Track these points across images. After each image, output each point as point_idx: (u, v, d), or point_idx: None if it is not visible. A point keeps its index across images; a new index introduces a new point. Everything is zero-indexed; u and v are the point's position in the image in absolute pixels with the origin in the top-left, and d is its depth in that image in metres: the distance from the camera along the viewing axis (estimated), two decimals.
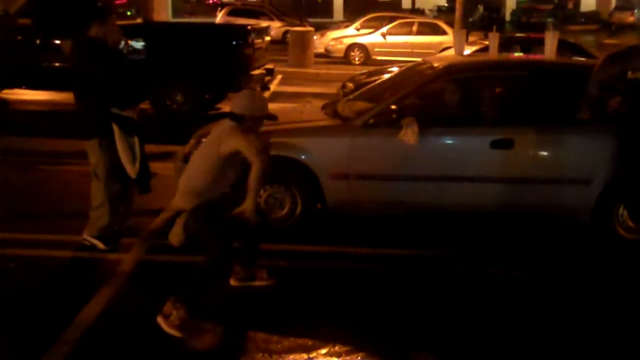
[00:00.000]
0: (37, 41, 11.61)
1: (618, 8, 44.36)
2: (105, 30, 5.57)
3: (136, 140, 5.63)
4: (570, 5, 47.16)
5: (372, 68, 14.28)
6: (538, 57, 7.47)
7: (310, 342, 4.32)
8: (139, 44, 11.35)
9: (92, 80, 5.46)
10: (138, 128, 5.68)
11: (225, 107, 12.47)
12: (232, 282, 5.08)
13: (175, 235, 4.71)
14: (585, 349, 4.40)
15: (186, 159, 6.23)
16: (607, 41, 29.25)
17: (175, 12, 44.47)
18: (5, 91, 12.88)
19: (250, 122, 4.66)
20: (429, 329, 4.60)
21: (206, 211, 4.59)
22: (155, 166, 6.58)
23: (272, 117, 4.83)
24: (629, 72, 5.39)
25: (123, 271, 5.36)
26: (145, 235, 6.08)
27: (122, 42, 10.79)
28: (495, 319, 4.76)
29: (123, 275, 5.29)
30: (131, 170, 5.58)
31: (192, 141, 6.46)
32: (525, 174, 6.01)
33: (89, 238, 5.70)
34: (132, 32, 11.50)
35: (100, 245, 5.66)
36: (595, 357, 4.36)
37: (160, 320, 4.43)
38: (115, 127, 5.47)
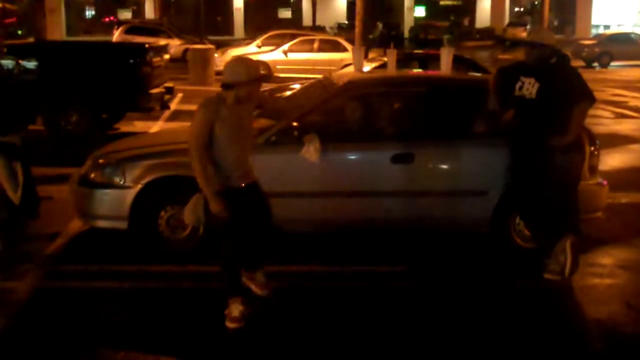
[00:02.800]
0: None
1: (511, 24, 46.31)
2: None
3: (18, 165, 5.39)
4: (466, 22, 48.86)
5: (274, 85, 14.29)
6: (435, 72, 7.64)
7: None
8: (30, 64, 10.91)
9: None
10: (22, 153, 5.44)
11: (124, 127, 12.20)
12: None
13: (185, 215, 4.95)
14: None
15: (82, 180, 6.04)
16: (501, 56, 30.41)
17: (70, 30, 43.36)
18: None
19: (244, 90, 4.61)
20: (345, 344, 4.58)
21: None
22: (49, 189, 6.38)
23: (267, 78, 4.83)
24: (516, 87, 5.59)
25: (17, 299, 5.11)
26: (41, 260, 5.82)
27: (13, 63, 10.45)
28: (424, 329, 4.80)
29: (17, 304, 5.04)
30: (14, 196, 5.37)
31: (89, 162, 6.26)
32: (426, 187, 6.11)
33: None
34: (24, 51, 11.09)
35: None
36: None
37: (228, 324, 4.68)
38: None
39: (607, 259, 6.23)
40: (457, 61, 9.63)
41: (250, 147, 4.99)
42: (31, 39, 20.97)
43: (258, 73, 4.77)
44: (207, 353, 4.43)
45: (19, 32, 30.84)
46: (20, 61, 10.66)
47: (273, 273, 5.58)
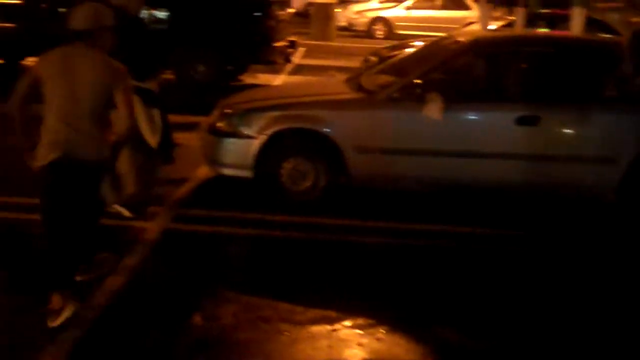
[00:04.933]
0: (61, 9, 11.60)
1: None
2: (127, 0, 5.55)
3: (157, 111, 5.63)
4: None
5: (395, 42, 14.18)
6: (565, 33, 7.40)
7: (334, 314, 4.36)
8: (162, 14, 11.34)
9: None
10: (159, 99, 5.68)
11: (248, 79, 12.49)
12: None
13: None
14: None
15: (210, 129, 6.28)
16: (633, 19, 28.81)
17: None
18: (29, 59, 12.95)
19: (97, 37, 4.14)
20: (452, 304, 4.63)
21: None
22: (179, 136, 6.64)
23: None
24: None
25: (148, 239, 5.42)
26: (170, 204, 6.13)
27: (145, 12, 10.85)
28: (519, 295, 4.78)
29: (148, 244, 5.35)
30: (152, 141, 5.60)
31: (217, 112, 6.49)
32: (551, 151, 5.98)
33: (115, 206, 5.77)
34: (156, 1, 11.49)
35: (126, 213, 5.72)
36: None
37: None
38: (135, 98, 5.49)
39: None
40: (587, 22, 9.26)
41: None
42: None
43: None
44: (322, 301, 4.56)
45: None
46: (153, 10, 11.12)
47: (386, 229, 5.68)
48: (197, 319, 4.29)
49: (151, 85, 5.57)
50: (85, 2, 4.30)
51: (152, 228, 5.60)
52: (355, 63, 12.97)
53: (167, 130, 5.79)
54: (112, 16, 4.25)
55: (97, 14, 4.18)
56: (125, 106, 4.17)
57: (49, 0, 11.66)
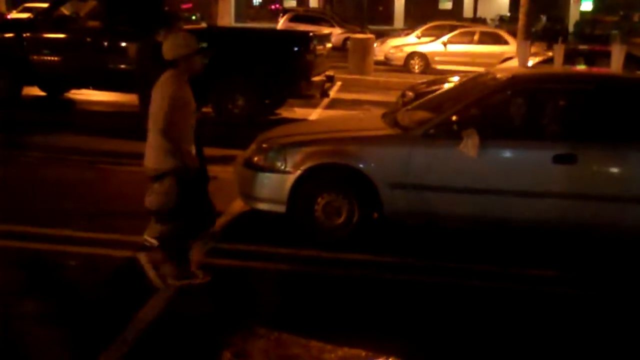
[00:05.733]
0: (105, 43, 11.87)
1: None
2: None
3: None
4: (635, 18, 46.05)
5: (432, 77, 14.21)
6: (605, 70, 7.31)
7: (363, 354, 4.31)
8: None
9: (152, 83, 5.56)
10: (196, 133, 5.70)
11: (284, 113, 12.57)
12: (170, 282, 5.12)
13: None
14: None
15: (246, 163, 6.31)
16: None
17: (238, 17, 45.05)
18: (73, 91, 13.23)
19: (183, 64, 4.91)
20: (486, 347, 4.54)
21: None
22: (215, 169, 6.67)
23: (208, 52, 5.25)
24: None
25: None
26: (205, 237, 6.14)
27: None
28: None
29: None
30: None
31: (253, 146, 6.53)
32: (589, 190, 5.88)
33: (149, 238, 5.78)
34: (197, 36, 11.65)
35: None
36: None
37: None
38: None
39: None
40: (626, 59, 9.14)
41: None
42: (204, 24, 21.90)
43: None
44: (353, 339, 4.51)
45: (193, 17, 32.45)
46: None
47: (422, 267, 5.63)
48: (227, 355, 4.27)
49: None
50: (171, 33, 5.28)
51: None
52: (391, 98, 12.99)
53: (202, 163, 5.82)
54: (195, 42, 4.92)
55: (175, 43, 4.90)
56: None
57: (93, 33, 11.94)
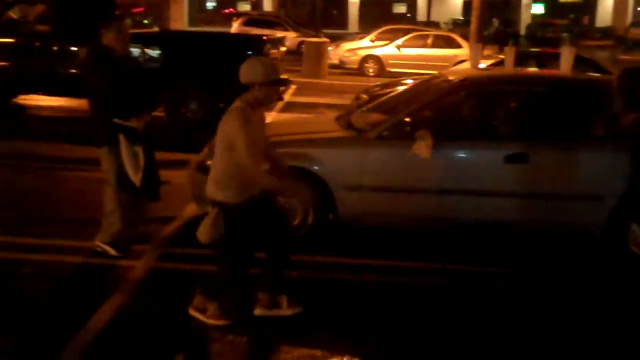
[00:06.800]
0: (55, 47, 11.67)
1: (635, 24, 44.17)
2: (115, 38, 5.57)
3: (140, 149, 5.59)
4: (585, 21, 47.05)
5: (386, 80, 14.28)
6: (555, 72, 7.45)
7: (319, 353, 4.31)
8: (155, 52, 11.40)
9: (97, 89, 5.48)
10: (143, 137, 5.65)
11: None
12: (257, 312, 4.78)
13: (202, 233, 4.57)
14: None
15: (199, 167, 6.26)
16: (622, 57, 29.13)
17: (192, 21, 44.77)
18: (22, 97, 12.97)
19: (258, 92, 4.36)
20: (438, 344, 4.57)
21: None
22: (168, 174, 6.60)
23: (285, 82, 4.60)
24: None
25: (134, 278, 5.36)
26: (157, 242, 6.08)
27: (138, 51, 10.92)
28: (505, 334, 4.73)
29: (134, 282, 5.29)
30: (134, 178, 5.56)
31: (206, 149, 6.47)
32: (539, 189, 5.99)
33: (100, 244, 5.72)
34: (149, 40, 11.57)
35: (112, 251, 5.67)
36: None
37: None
38: (120, 136, 5.48)
39: None
40: (576, 61, 9.34)
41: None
42: (156, 28, 21.73)
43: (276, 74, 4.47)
44: (310, 340, 4.50)
45: (145, 21, 32.12)
46: (145, 49, 11.19)
47: (376, 267, 5.64)
48: (180, 358, 4.22)
49: (135, 123, 5.53)
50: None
51: (138, 267, 5.55)
52: (345, 101, 13.02)
53: (153, 167, 5.76)
54: (265, 73, 4.33)
55: (246, 70, 4.35)
56: None
57: (42, 38, 11.74)
